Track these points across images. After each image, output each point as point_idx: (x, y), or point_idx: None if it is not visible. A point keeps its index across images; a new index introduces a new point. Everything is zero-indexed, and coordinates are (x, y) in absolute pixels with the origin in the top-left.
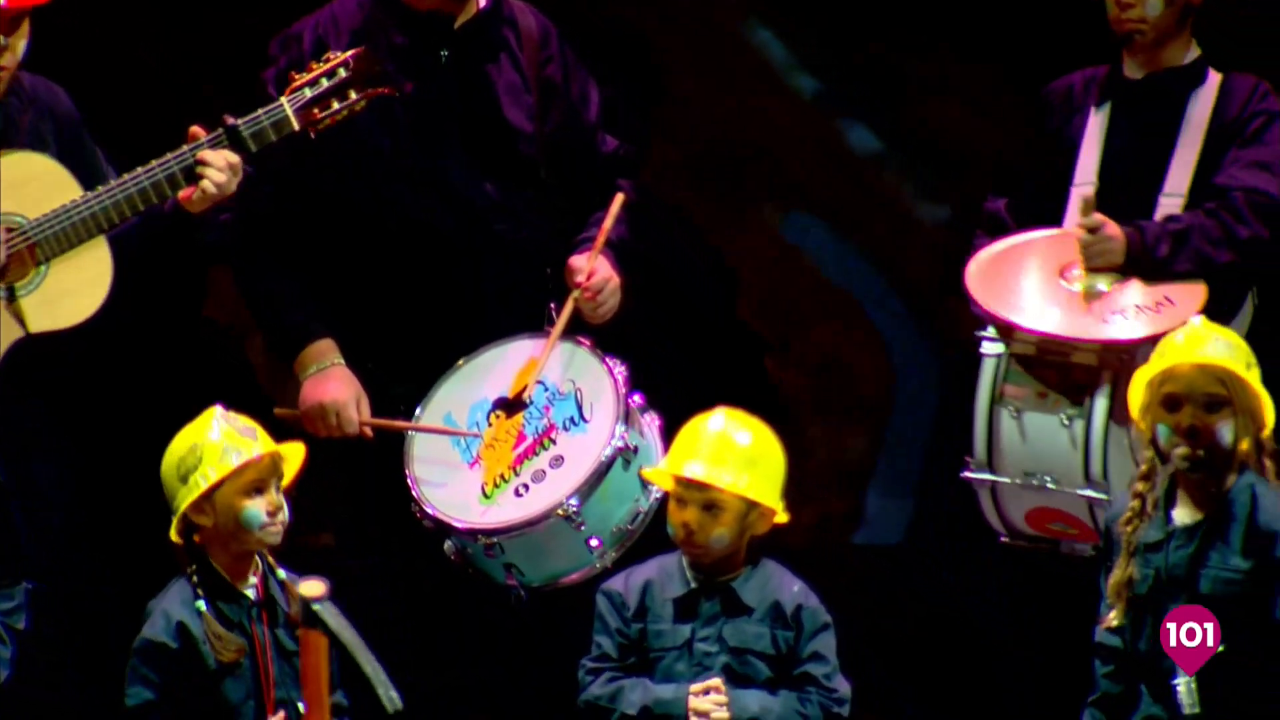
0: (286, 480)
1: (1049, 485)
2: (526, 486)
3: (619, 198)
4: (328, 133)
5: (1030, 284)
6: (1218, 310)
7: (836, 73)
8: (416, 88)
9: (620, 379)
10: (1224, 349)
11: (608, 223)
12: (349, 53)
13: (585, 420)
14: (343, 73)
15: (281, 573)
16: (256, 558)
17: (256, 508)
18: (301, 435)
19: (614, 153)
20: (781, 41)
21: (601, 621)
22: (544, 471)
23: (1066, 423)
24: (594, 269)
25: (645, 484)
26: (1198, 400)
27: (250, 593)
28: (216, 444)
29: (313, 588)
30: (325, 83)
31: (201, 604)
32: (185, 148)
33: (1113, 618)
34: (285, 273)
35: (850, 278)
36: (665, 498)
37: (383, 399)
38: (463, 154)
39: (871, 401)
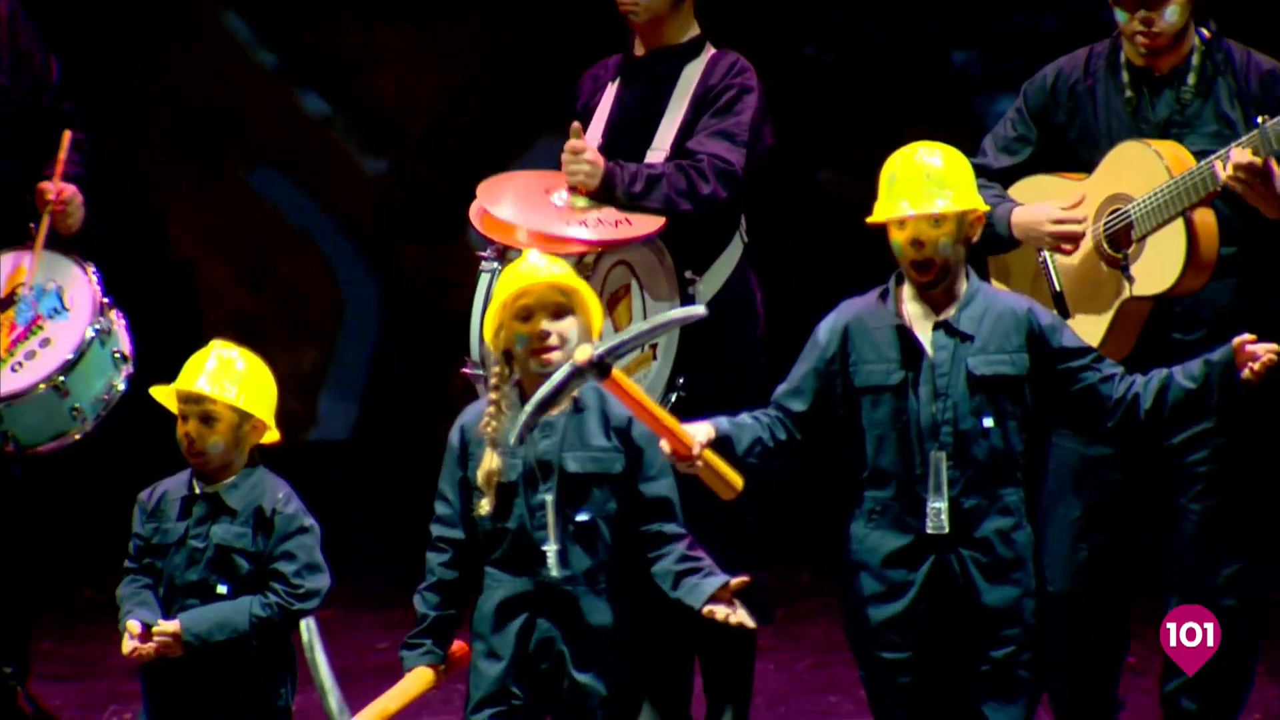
0: None
1: None
2: (20, 364)
3: (67, 134)
4: None
5: (519, 196)
6: (709, 246)
7: (292, 50)
8: None
9: (95, 278)
10: (562, 269)
11: (62, 154)
12: None
13: (67, 309)
14: None
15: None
16: None
17: None
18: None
19: (67, 110)
20: (246, 23)
21: (132, 527)
22: (35, 351)
23: None
24: (60, 188)
25: (115, 363)
26: (548, 309)
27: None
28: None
29: None
30: None
31: None
32: None
33: (484, 504)
34: None
35: (307, 221)
36: (134, 374)
37: None
38: None
39: (324, 323)
